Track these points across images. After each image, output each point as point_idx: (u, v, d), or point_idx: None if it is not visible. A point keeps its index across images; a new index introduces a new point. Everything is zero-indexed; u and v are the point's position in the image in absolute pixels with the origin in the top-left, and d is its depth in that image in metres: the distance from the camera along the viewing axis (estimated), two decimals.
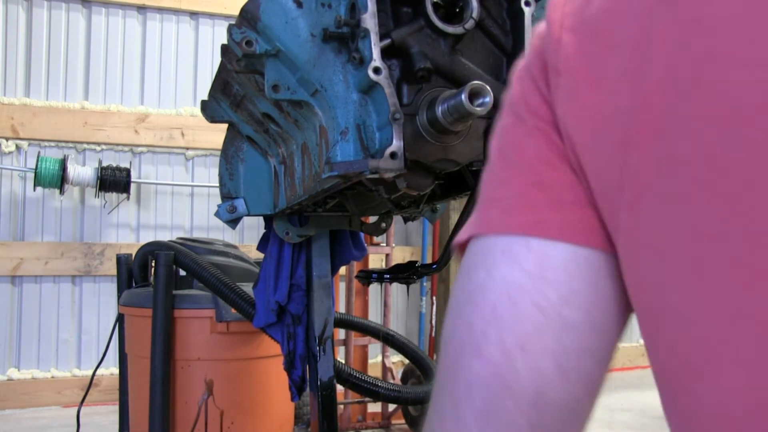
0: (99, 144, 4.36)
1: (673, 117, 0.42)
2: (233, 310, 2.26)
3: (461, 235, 0.55)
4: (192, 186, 4.58)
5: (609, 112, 0.46)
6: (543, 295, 0.49)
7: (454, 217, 4.57)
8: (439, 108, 1.14)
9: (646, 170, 0.44)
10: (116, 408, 2.79)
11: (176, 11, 4.58)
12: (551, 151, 0.51)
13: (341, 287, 3.60)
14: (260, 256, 2.00)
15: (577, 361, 0.50)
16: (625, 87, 0.45)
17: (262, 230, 1.96)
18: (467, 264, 0.54)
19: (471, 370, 0.50)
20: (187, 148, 4.54)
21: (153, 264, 2.43)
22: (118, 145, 4.39)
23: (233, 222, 1.76)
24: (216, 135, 3.71)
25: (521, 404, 0.49)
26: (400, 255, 4.74)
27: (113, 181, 4.09)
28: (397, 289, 4.94)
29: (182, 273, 2.45)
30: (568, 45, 0.49)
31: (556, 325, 0.49)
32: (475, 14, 1.24)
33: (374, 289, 4.42)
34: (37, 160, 3.97)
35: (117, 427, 2.73)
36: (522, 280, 0.49)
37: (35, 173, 3.95)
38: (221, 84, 1.61)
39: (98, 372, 3.06)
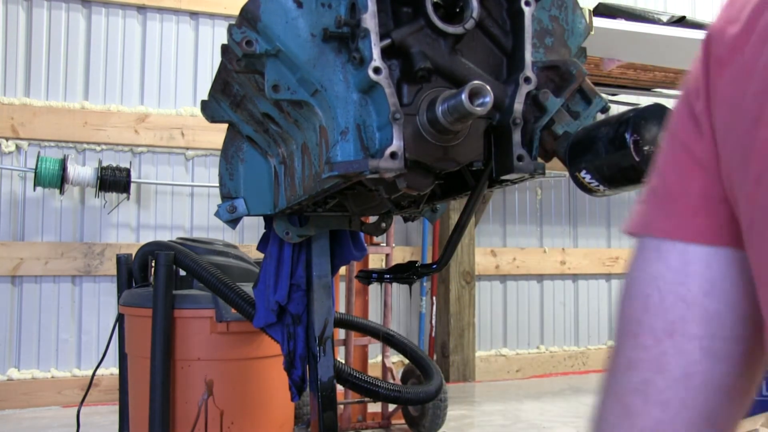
0: (99, 144, 4.35)
1: None
2: (233, 310, 2.25)
3: (630, 225, 0.64)
4: (192, 186, 4.58)
5: (751, 93, 0.52)
6: (686, 288, 0.58)
7: (454, 217, 4.57)
8: (439, 108, 1.14)
9: None
10: (116, 408, 2.79)
11: (176, 11, 4.58)
12: (691, 154, 0.59)
13: (341, 287, 3.60)
14: (260, 256, 1.99)
15: (723, 344, 0.57)
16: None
17: (262, 230, 1.96)
18: (630, 259, 0.64)
19: (627, 351, 0.61)
20: (187, 148, 4.54)
21: (153, 264, 2.43)
22: (118, 145, 4.39)
23: (233, 222, 1.76)
24: (216, 135, 3.71)
25: (670, 383, 0.58)
26: (400, 255, 4.74)
27: (113, 181, 4.09)
28: (397, 289, 4.93)
29: (182, 273, 2.45)
30: (730, 38, 0.56)
31: (699, 314, 0.58)
32: (475, 14, 1.24)
33: (374, 289, 4.41)
34: (37, 160, 3.97)
35: (117, 427, 2.73)
36: (668, 276, 0.59)
37: (35, 173, 3.95)
38: (221, 84, 1.61)
39: (98, 372, 3.06)
